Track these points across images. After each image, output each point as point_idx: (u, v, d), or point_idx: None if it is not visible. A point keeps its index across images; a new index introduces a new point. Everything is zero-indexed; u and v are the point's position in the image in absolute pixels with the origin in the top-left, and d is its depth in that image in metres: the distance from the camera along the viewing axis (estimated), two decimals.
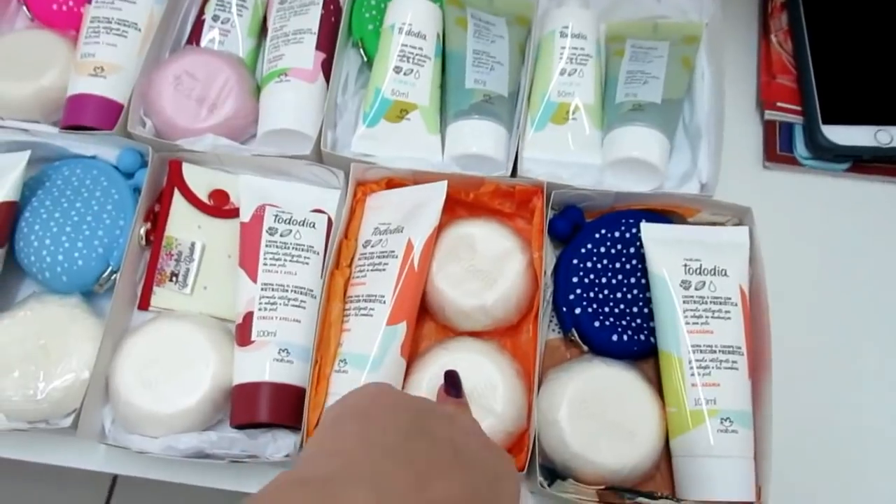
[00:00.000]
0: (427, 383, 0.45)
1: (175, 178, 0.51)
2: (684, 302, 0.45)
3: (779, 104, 0.55)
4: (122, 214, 0.50)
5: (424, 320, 0.50)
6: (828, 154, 0.53)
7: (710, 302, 0.46)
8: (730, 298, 0.46)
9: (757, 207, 0.48)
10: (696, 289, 0.46)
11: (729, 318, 0.45)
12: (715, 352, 0.44)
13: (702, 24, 0.57)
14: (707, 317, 0.45)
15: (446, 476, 0.27)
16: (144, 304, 0.50)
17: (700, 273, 0.46)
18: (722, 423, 0.43)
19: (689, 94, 0.55)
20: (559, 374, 0.46)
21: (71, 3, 0.57)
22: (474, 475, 0.28)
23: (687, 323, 0.45)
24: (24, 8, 0.57)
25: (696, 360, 0.44)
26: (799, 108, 0.55)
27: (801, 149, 0.55)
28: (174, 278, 0.50)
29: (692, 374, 0.44)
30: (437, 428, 0.29)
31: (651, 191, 0.51)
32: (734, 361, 0.44)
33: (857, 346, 0.51)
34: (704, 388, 0.44)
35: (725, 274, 0.46)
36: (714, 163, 0.51)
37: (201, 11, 0.57)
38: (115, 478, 0.85)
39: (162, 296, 0.50)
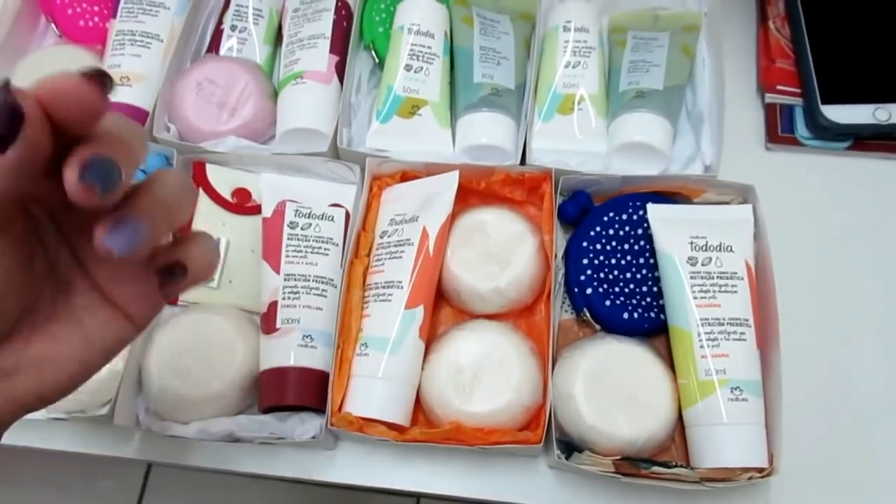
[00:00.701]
0: (445, 364, 0.47)
1: (200, 179, 0.54)
2: (692, 277, 0.47)
3: (779, 87, 0.57)
4: None
5: (441, 305, 0.52)
6: (828, 133, 0.55)
7: (717, 277, 0.47)
8: (736, 273, 0.47)
9: (760, 187, 0.50)
10: (702, 265, 0.47)
11: (735, 291, 0.47)
12: (723, 324, 0.46)
13: (701, 14, 0.59)
14: (714, 291, 0.47)
15: None
16: (174, 299, 0.52)
17: (706, 249, 0.48)
18: (732, 392, 0.44)
19: (691, 80, 0.57)
20: (573, 352, 0.48)
21: (97, 19, 0.60)
22: None
23: (695, 297, 0.46)
24: (53, 25, 0.60)
25: (705, 333, 0.46)
26: (798, 91, 0.56)
27: (801, 129, 0.56)
28: None
29: (701, 346, 0.45)
30: None
31: (654, 173, 0.53)
32: (742, 333, 0.46)
33: (860, 316, 0.52)
34: (714, 359, 0.45)
35: (731, 250, 0.48)
36: (717, 145, 0.53)
37: (220, 22, 0.60)
38: (149, 467, 0.87)
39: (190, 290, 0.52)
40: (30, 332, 0.27)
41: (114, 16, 0.58)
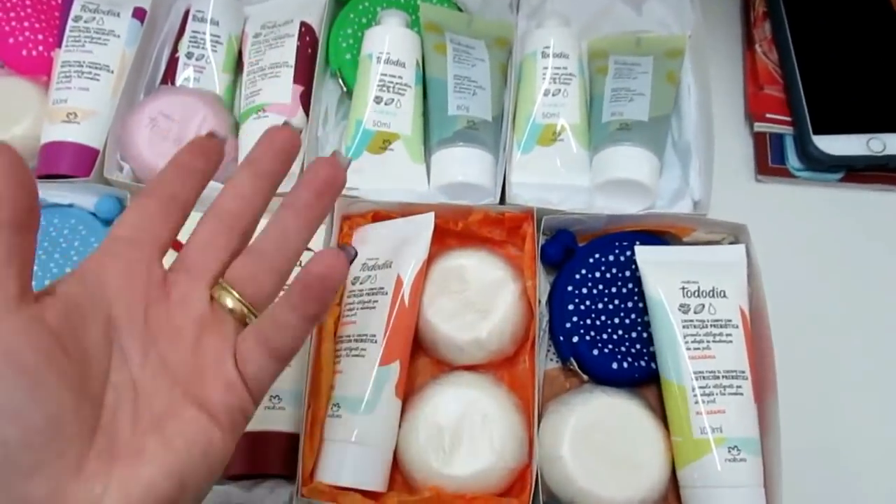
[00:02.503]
0: (424, 423, 0.44)
1: None
2: (684, 327, 0.44)
3: (768, 115, 0.54)
4: None
5: (418, 356, 0.48)
6: (820, 165, 0.52)
7: (711, 325, 0.44)
8: (730, 321, 0.45)
9: (752, 222, 0.47)
10: (695, 312, 0.45)
11: (730, 341, 0.44)
12: (718, 377, 0.43)
13: (685, 37, 0.56)
14: (708, 341, 0.44)
15: None
16: None
17: (698, 295, 0.45)
18: (729, 451, 0.42)
19: (676, 109, 0.54)
20: (559, 408, 0.45)
21: (41, 48, 0.55)
22: None
23: (688, 349, 0.44)
24: None
25: (700, 387, 0.43)
26: (789, 119, 0.54)
27: (793, 160, 0.54)
28: None
29: (696, 402, 0.43)
30: None
31: (643, 211, 0.50)
32: (738, 386, 0.43)
33: (862, 357, 0.50)
34: (709, 415, 0.42)
35: (724, 295, 0.45)
36: (706, 179, 0.50)
37: (174, 49, 0.56)
38: None
39: None
40: (108, 452, 0.25)
41: (59, 45, 0.54)
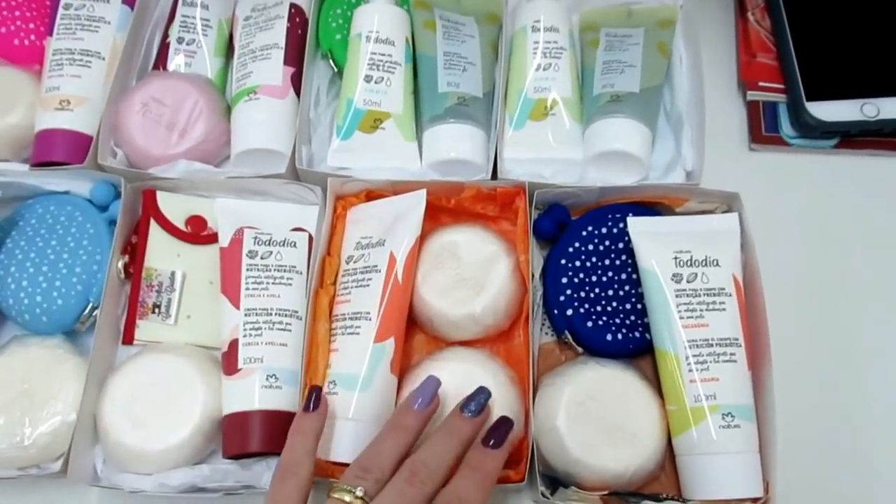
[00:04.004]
0: None
1: (150, 208, 0.50)
2: (677, 296, 0.44)
3: (761, 84, 0.54)
4: (98, 249, 0.49)
5: (414, 332, 0.49)
6: (814, 132, 0.52)
7: (704, 294, 0.44)
8: (724, 289, 0.45)
9: (746, 191, 0.47)
10: (688, 281, 0.45)
11: (724, 309, 0.44)
12: (712, 345, 0.43)
13: (676, 7, 0.56)
14: (701, 310, 0.44)
15: None
16: (129, 339, 0.49)
17: (691, 265, 0.45)
18: (724, 418, 0.42)
19: (668, 80, 0.54)
20: (554, 380, 0.45)
21: (33, 37, 0.56)
22: None
23: (681, 318, 0.44)
24: None
25: (693, 356, 0.43)
26: (782, 87, 0.54)
27: (786, 128, 0.53)
28: (157, 310, 0.49)
29: (690, 371, 0.43)
30: None
31: (636, 182, 0.50)
32: (732, 354, 0.43)
33: (856, 324, 0.50)
34: (703, 383, 0.43)
35: (717, 264, 0.45)
36: (698, 149, 0.50)
37: (165, 35, 0.56)
38: None
39: (146, 329, 0.49)
40: None
41: (50, 33, 0.54)
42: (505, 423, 0.38)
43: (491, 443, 0.38)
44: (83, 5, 0.55)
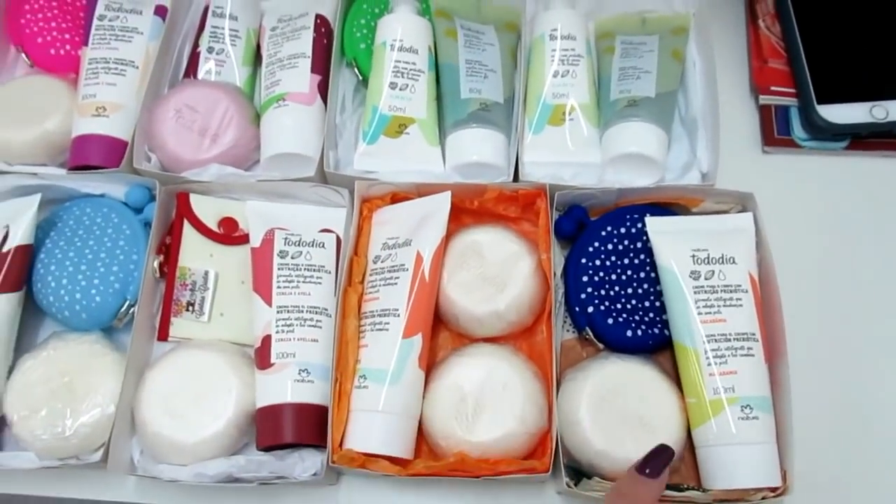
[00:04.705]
0: (447, 393, 0.46)
1: (184, 210, 0.52)
2: (695, 292, 0.46)
3: (773, 88, 0.56)
4: (134, 249, 0.51)
5: (439, 330, 0.50)
6: (825, 134, 0.54)
7: (721, 290, 0.46)
8: (740, 286, 0.46)
9: (760, 192, 0.49)
10: (705, 278, 0.46)
11: (741, 305, 0.46)
12: (729, 340, 0.45)
13: (689, 15, 0.57)
14: (719, 306, 0.45)
15: None
16: (164, 335, 0.51)
17: (708, 262, 0.47)
18: (742, 410, 0.43)
19: (683, 85, 0.56)
20: (576, 374, 0.47)
21: (69, 47, 0.58)
22: None
23: (699, 313, 0.45)
24: (24, 56, 0.58)
25: (712, 350, 0.44)
26: (793, 91, 0.55)
27: (798, 130, 0.55)
28: (190, 308, 0.51)
29: (709, 364, 0.44)
30: None
31: (653, 184, 0.52)
32: (749, 348, 0.45)
33: (869, 321, 0.51)
34: (722, 376, 0.44)
35: (733, 262, 0.47)
36: (713, 151, 0.52)
37: (196, 44, 0.58)
38: None
39: (180, 326, 0.51)
40: None
41: (85, 43, 0.56)
42: (665, 452, 0.36)
43: (647, 471, 0.35)
44: (117, 17, 0.57)
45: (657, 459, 0.35)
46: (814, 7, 0.56)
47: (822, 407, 0.48)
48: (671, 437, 0.44)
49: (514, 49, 0.57)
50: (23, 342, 0.50)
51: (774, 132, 0.55)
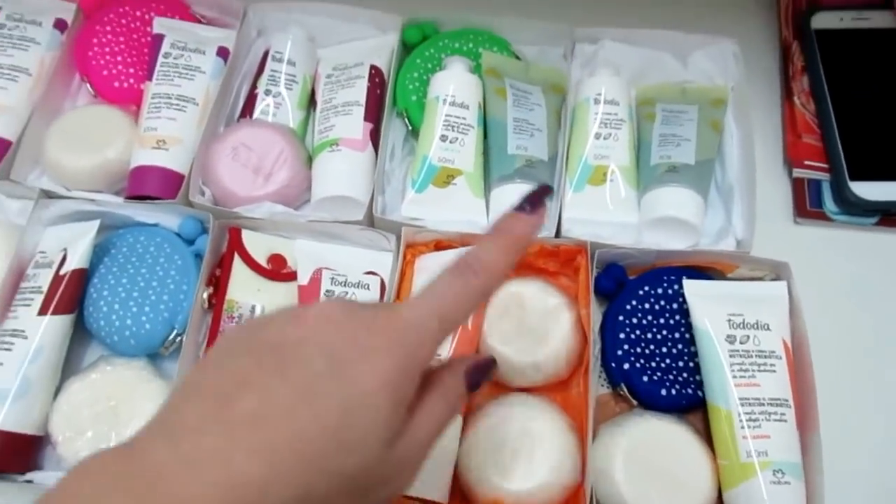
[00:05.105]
0: (484, 440, 0.47)
1: (235, 244, 0.54)
2: (730, 356, 0.47)
3: (806, 162, 0.58)
4: (185, 279, 0.52)
5: None
6: (857, 209, 0.56)
7: (756, 355, 0.47)
8: (774, 352, 0.47)
9: (791, 261, 0.50)
10: (740, 343, 0.48)
11: (774, 370, 0.47)
12: (763, 404, 0.46)
13: (727, 88, 0.60)
14: (753, 370, 0.47)
15: (258, 389, 0.27)
16: None
17: (744, 327, 0.48)
18: (774, 474, 0.44)
19: (720, 154, 0.58)
20: (612, 429, 0.48)
21: (132, 81, 0.60)
22: (305, 392, 0.27)
23: (734, 376, 0.47)
24: (87, 85, 0.61)
25: (745, 413, 0.46)
26: (826, 166, 0.58)
27: (830, 204, 0.57)
28: None
29: (742, 427, 0.45)
30: (273, 333, 0.29)
31: (689, 248, 0.54)
32: (782, 413, 0.46)
33: None
34: (755, 440, 0.45)
35: (768, 328, 0.48)
36: (749, 220, 0.54)
37: (254, 86, 0.60)
38: None
39: None
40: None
41: (150, 78, 0.59)
42: (544, 189, 0.33)
43: (526, 207, 0.32)
44: (181, 55, 0.59)
45: (536, 195, 0.33)
46: (848, 88, 0.59)
47: (853, 476, 0.49)
48: (703, 497, 0.45)
49: (558, 110, 0.59)
50: (68, 364, 0.51)
51: (807, 204, 0.57)
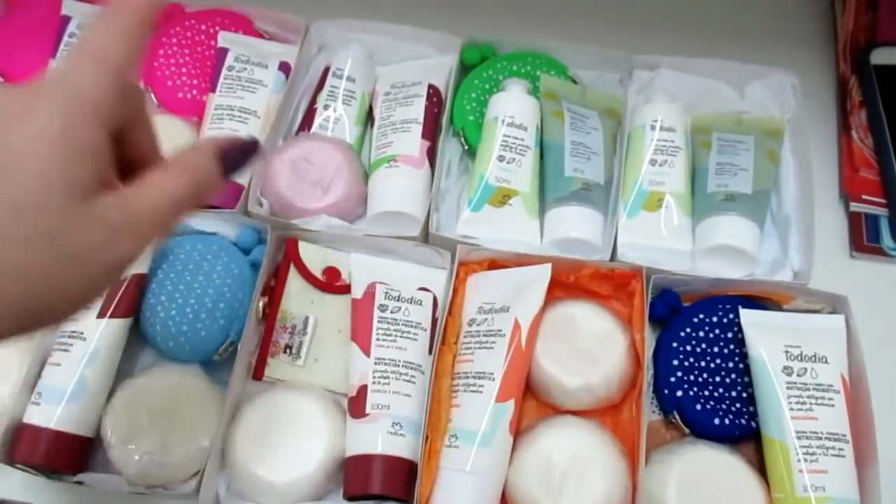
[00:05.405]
0: (535, 461, 0.46)
1: (292, 255, 0.54)
2: (787, 388, 0.47)
3: (864, 197, 0.58)
4: (241, 288, 0.53)
5: (526, 398, 0.51)
6: None
7: (813, 388, 0.47)
8: (832, 385, 0.47)
9: (847, 295, 0.50)
10: (798, 375, 0.47)
11: (832, 405, 0.46)
12: (821, 438, 0.45)
13: (783, 120, 0.60)
14: (811, 403, 0.46)
15: None
16: (259, 374, 0.52)
17: (801, 360, 0.48)
18: None
19: (776, 185, 0.58)
20: (665, 456, 0.47)
21: (195, 92, 0.61)
22: None
23: (791, 409, 0.46)
24: (151, 95, 0.62)
25: (802, 447, 0.45)
26: (883, 201, 0.57)
27: (887, 240, 0.57)
28: (288, 350, 0.52)
29: (798, 461, 0.45)
30: None
31: (744, 277, 0.53)
32: (840, 448, 0.45)
33: None
34: (811, 474, 0.44)
35: (826, 361, 0.48)
36: (806, 252, 0.53)
37: (313, 101, 0.61)
38: None
39: (275, 367, 0.52)
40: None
41: (213, 90, 0.60)
42: (252, 147, 0.31)
43: (227, 162, 0.30)
44: (244, 68, 0.61)
45: (241, 154, 0.31)
46: None
47: None
48: None
49: (614, 135, 0.59)
50: (122, 368, 0.52)
51: (864, 239, 0.57)
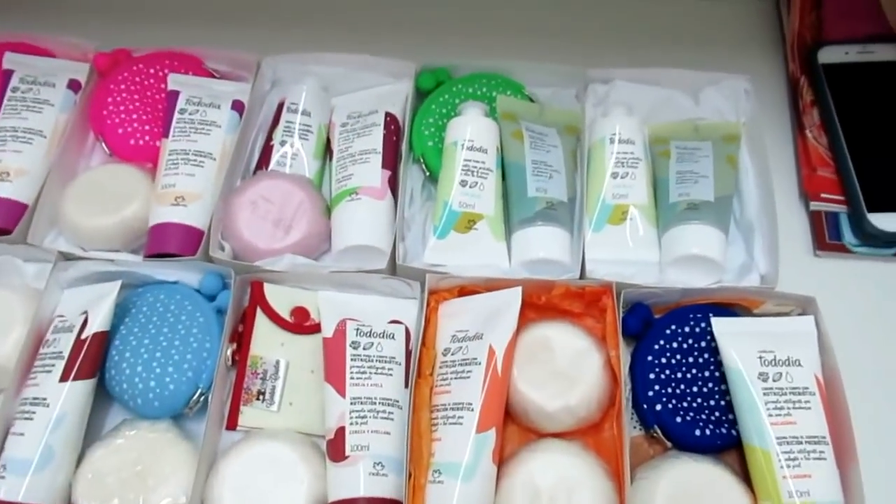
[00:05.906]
0: (521, 489, 0.46)
1: (258, 299, 0.53)
2: (764, 394, 0.47)
3: (823, 195, 0.58)
4: (207, 337, 0.51)
5: (506, 424, 0.51)
6: (877, 241, 0.56)
7: (790, 392, 0.47)
8: (807, 388, 0.47)
9: (815, 295, 0.50)
10: (773, 380, 0.47)
11: (809, 407, 0.46)
12: (801, 442, 0.45)
13: (739, 124, 0.60)
14: (788, 408, 0.46)
15: None
16: (232, 424, 0.51)
17: (776, 364, 0.48)
18: None
19: (737, 189, 0.58)
20: (648, 473, 0.47)
21: (147, 138, 0.60)
22: None
23: (770, 415, 0.46)
24: (103, 144, 0.61)
25: (784, 452, 0.45)
26: (842, 198, 0.58)
27: (849, 236, 0.57)
28: (261, 396, 0.51)
29: (782, 467, 0.45)
30: None
31: (713, 285, 0.54)
32: (821, 451, 0.45)
33: None
34: (795, 479, 0.44)
35: (799, 364, 0.48)
36: (772, 255, 0.54)
37: (269, 138, 0.60)
38: None
39: (249, 415, 0.51)
40: None
41: (166, 135, 0.59)
42: None
43: None
44: (197, 110, 0.60)
45: None
46: (859, 120, 0.60)
47: None
48: None
49: (574, 151, 0.59)
50: (90, 430, 0.50)
51: (826, 237, 0.58)
